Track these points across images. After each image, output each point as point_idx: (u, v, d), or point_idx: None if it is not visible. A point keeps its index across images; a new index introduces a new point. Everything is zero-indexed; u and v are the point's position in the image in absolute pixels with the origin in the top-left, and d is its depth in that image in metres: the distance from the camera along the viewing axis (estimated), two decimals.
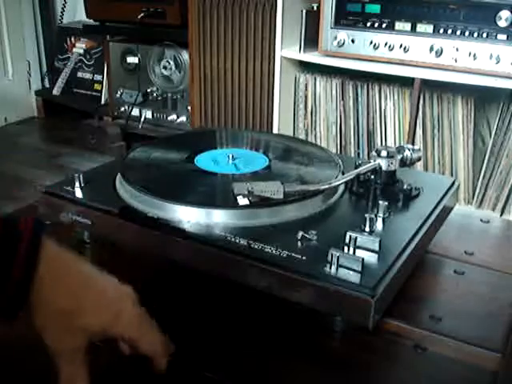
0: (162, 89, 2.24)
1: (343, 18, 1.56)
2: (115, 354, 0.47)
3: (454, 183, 0.74)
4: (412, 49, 1.48)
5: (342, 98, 1.71)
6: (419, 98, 1.54)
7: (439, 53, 1.45)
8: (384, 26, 1.51)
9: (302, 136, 1.79)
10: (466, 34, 1.40)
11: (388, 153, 0.67)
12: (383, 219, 0.60)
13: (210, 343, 0.55)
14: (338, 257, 0.51)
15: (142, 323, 0.46)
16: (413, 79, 1.51)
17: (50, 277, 0.41)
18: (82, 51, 2.64)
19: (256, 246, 0.54)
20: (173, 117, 2.25)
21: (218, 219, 0.58)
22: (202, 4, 1.87)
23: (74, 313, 0.42)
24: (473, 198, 1.59)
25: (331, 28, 1.58)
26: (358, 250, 0.53)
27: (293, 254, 0.53)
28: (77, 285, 0.43)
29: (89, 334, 0.43)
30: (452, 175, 1.59)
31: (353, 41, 1.56)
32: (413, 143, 1.57)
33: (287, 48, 1.69)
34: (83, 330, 0.43)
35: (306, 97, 1.77)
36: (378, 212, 0.60)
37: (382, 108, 1.66)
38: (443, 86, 1.52)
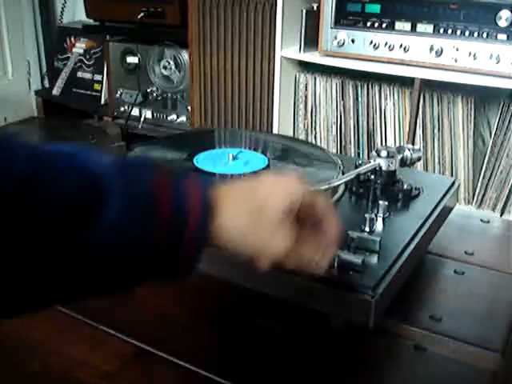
0: (161, 89, 2.24)
1: (343, 18, 1.56)
2: None
3: (454, 183, 0.73)
4: (412, 49, 1.48)
5: (342, 98, 1.71)
6: (419, 97, 1.54)
7: (439, 53, 1.44)
8: (384, 25, 1.51)
9: (302, 136, 1.79)
10: (466, 33, 1.40)
11: (388, 153, 0.67)
12: (383, 219, 0.60)
13: (209, 342, 0.55)
14: (338, 257, 0.51)
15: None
16: (413, 79, 1.51)
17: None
18: (81, 51, 2.64)
19: None
20: (173, 117, 2.25)
21: None
22: (202, 4, 1.87)
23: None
24: (473, 198, 1.59)
25: (331, 28, 1.58)
26: (358, 250, 0.53)
27: None
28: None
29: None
30: (452, 175, 1.59)
31: (353, 41, 1.56)
32: (413, 143, 1.57)
33: (287, 48, 1.69)
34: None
35: (305, 97, 1.77)
36: (378, 212, 0.60)
37: (382, 108, 1.66)
38: (443, 86, 1.52)
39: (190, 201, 0.38)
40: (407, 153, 0.69)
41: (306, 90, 1.76)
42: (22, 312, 0.36)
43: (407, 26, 1.48)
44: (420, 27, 1.46)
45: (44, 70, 2.90)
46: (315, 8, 1.65)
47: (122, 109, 2.36)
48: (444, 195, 0.69)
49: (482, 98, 1.58)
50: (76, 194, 0.35)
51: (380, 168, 0.66)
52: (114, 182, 0.36)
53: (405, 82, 1.58)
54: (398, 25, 1.49)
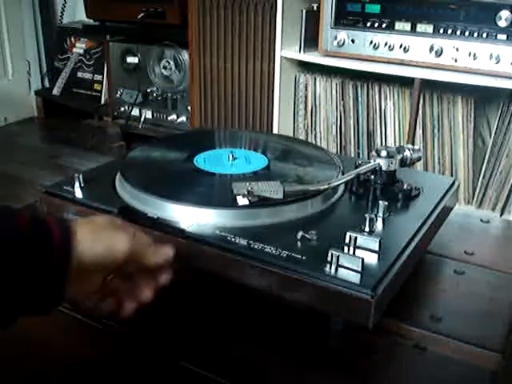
0: (161, 89, 2.24)
1: (343, 18, 1.56)
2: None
3: (454, 183, 0.74)
4: (412, 49, 1.48)
5: (342, 98, 1.71)
6: (419, 97, 1.54)
7: (439, 53, 1.44)
8: (384, 25, 1.51)
9: (302, 136, 1.79)
10: (466, 34, 1.40)
11: (388, 153, 0.67)
12: (383, 219, 0.60)
13: (210, 343, 0.55)
14: (338, 257, 0.51)
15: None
16: (413, 79, 1.51)
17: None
18: (82, 51, 2.64)
19: (256, 246, 0.54)
20: (173, 117, 2.25)
21: (217, 219, 0.58)
22: (202, 4, 1.87)
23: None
24: (473, 198, 1.59)
25: (331, 28, 1.58)
26: (357, 250, 0.53)
27: (293, 254, 0.53)
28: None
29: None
30: (452, 175, 1.59)
31: (353, 41, 1.56)
32: (413, 143, 1.57)
33: (287, 48, 1.69)
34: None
35: (305, 97, 1.77)
36: (377, 212, 0.60)
37: (382, 108, 1.66)
38: (443, 86, 1.52)
39: (50, 225, 0.42)
40: (407, 153, 0.69)
41: (306, 90, 1.76)
42: None
43: (407, 26, 1.48)
44: (420, 27, 1.46)
45: (44, 70, 2.90)
46: (315, 8, 1.65)
47: (122, 109, 2.36)
48: (444, 195, 0.69)
49: (481, 98, 1.58)
50: None
51: (380, 168, 0.67)
52: None
53: (405, 82, 1.59)
54: (398, 25, 1.49)
